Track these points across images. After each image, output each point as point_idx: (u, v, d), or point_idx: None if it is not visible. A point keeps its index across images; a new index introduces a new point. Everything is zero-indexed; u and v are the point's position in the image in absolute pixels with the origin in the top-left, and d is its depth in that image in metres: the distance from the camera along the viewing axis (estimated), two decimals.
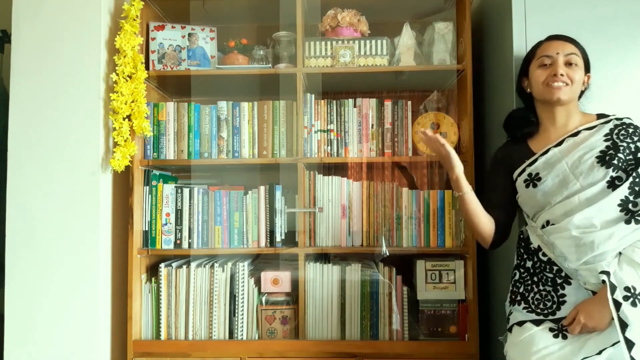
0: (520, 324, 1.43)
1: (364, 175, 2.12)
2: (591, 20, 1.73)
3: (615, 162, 1.36)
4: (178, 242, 1.97)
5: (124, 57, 1.87)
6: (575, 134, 1.45)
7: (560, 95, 1.45)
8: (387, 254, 1.94)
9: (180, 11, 2.11)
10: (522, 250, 1.52)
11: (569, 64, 1.46)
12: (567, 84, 1.45)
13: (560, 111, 1.49)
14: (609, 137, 1.41)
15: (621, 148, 1.37)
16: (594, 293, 1.33)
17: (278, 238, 1.96)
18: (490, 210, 1.55)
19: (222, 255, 2.11)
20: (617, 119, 1.45)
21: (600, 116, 1.49)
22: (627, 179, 1.35)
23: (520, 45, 1.72)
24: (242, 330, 1.94)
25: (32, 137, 1.85)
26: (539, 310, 1.41)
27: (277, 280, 1.97)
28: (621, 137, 1.39)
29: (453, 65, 1.97)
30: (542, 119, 1.54)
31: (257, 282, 1.98)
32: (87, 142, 1.85)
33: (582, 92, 1.53)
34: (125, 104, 1.87)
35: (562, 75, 1.44)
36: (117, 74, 1.87)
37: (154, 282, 1.97)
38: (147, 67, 2.00)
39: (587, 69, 1.51)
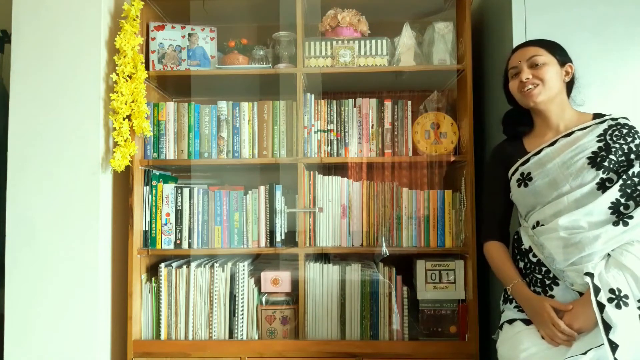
0: (511, 322, 1.44)
1: (364, 175, 2.11)
2: (591, 20, 1.73)
3: (606, 163, 1.34)
4: (178, 242, 1.97)
5: (124, 57, 1.87)
6: (569, 134, 1.44)
7: (533, 99, 1.45)
8: (387, 254, 1.94)
9: (180, 11, 2.11)
10: (515, 251, 1.53)
11: (534, 65, 1.45)
12: (536, 85, 1.44)
13: (549, 111, 1.48)
14: (602, 138, 1.39)
15: (613, 149, 1.35)
16: (581, 294, 1.33)
17: (278, 238, 1.96)
18: (491, 211, 1.59)
19: (222, 255, 2.11)
20: (612, 119, 1.43)
21: (596, 116, 1.47)
22: (617, 180, 1.33)
23: None
24: (242, 330, 1.94)
25: (32, 137, 1.85)
26: None
27: (277, 280, 1.97)
28: (614, 138, 1.37)
29: (453, 65, 1.97)
30: (535, 119, 1.54)
31: (257, 282, 1.98)
32: (87, 142, 1.85)
33: (571, 85, 1.52)
34: (125, 104, 1.87)
35: (527, 79, 1.45)
36: (117, 74, 1.87)
37: (154, 282, 1.97)
38: (147, 67, 2.00)
39: (566, 60, 1.48)
